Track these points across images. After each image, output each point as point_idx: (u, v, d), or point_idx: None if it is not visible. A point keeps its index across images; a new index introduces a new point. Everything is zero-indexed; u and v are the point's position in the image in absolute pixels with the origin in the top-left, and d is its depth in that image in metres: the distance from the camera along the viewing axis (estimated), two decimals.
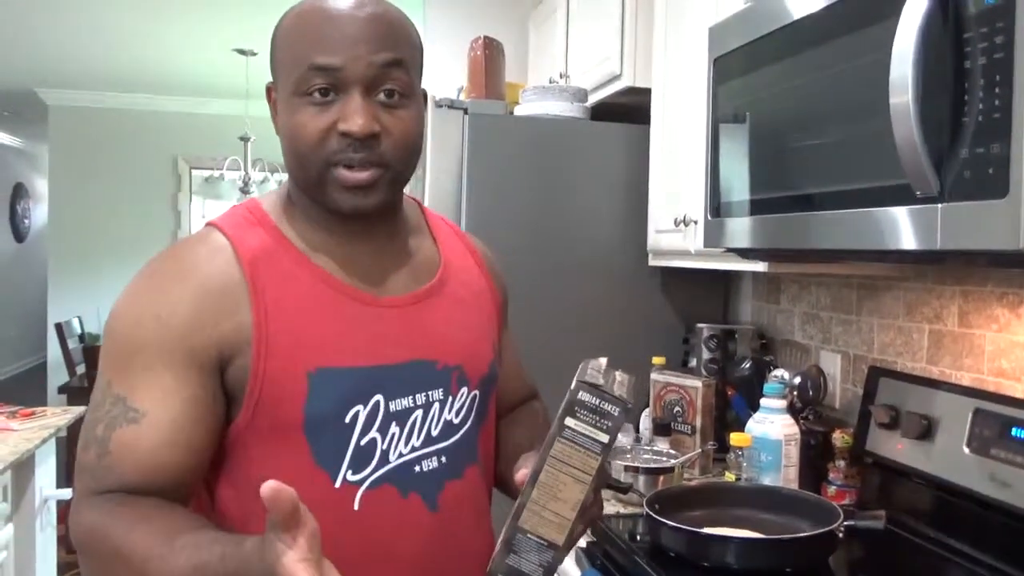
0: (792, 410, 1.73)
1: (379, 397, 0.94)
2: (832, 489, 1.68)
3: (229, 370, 0.90)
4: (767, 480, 1.62)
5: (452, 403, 1.00)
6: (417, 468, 0.96)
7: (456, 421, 1.00)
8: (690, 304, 2.34)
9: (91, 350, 3.87)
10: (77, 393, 4.35)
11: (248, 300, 0.89)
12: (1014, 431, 1.32)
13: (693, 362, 2.18)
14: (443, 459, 0.98)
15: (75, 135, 6.44)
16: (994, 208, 0.95)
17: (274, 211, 0.98)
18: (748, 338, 2.14)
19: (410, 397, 0.96)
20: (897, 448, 1.54)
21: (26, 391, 6.78)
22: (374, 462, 0.93)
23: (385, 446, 0.94)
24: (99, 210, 6.47)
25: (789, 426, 1.65)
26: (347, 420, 0.92)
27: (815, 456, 1.71)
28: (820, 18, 1.28)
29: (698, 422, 1.94)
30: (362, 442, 0.93)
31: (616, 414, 0.85)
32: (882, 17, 1.11)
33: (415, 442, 0.96)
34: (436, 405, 0.99)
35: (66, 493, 2.55)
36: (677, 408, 1.98)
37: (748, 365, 2.02)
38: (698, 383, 1.96)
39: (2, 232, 8.65)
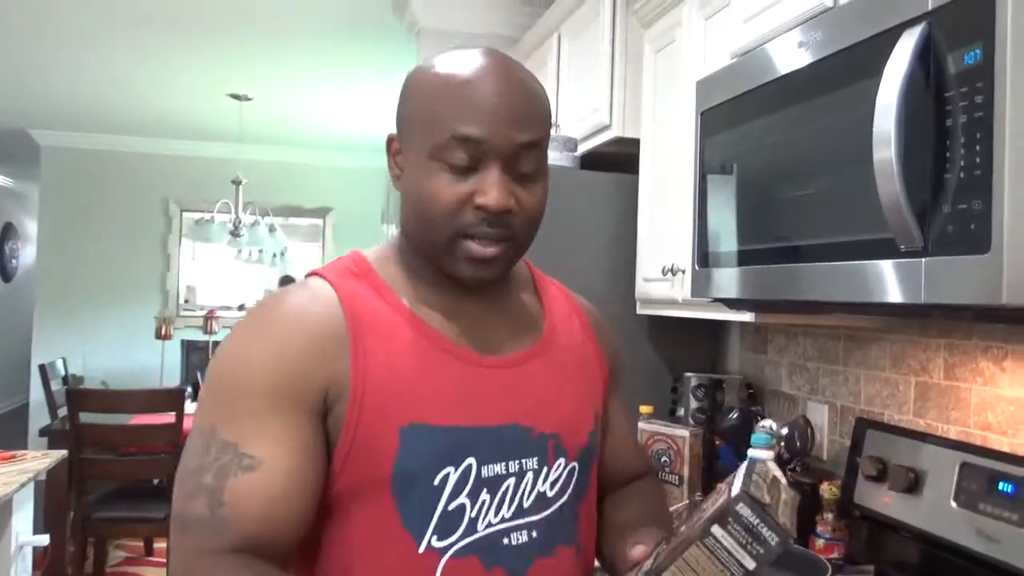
0: (780, 461, 1.72)
1: (471, 460, 0.89)
2: (820, 542, 1.67)
3: (329, 417, 0.87)
4: None
5: (547, 474, 0.94)
6: (505, 540, 0.90)
7: (551, 494, 0.94)
8: (678, 353, 2.34)
9: (74, 393, 3.80)
10: (58, 436, 4.27)
11: (348, 348, 0.87)
12: (1001, 485, 1.32)
13: (681, 411, 2.18)
14: (534, 533, 0.92)
15: (66, 176, 6.44)
16: (976, 263, 0.96)
17: (379, 264, 0.96)
18: (736, 388, 2.14)
19: (503, 464, 0.91)
20: (885, 501, 1.54)
21: (6, 433, 6.69)
22: (461, 529, 0.88)
23: (474, 513, 0.89)
24: (88, 251, 6.45)
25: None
26: (436, 482, 0.88)
27: (803, 508, 1.70)
28: (805, 74, 1.31)
29: (685, 472, 1.93)
30: (450, 507, 0.88)
31: (773, 544, 0.74)
32: (866, 75, 1.14)
33: (505, 512, 0.91)
34: (530, 475, 0.93)
35: (43, 539, 2.50)
36: (664, 458, 1.97)
37: (736, 415, 2.01)
38: (685, 433, 1.95)
39: None
